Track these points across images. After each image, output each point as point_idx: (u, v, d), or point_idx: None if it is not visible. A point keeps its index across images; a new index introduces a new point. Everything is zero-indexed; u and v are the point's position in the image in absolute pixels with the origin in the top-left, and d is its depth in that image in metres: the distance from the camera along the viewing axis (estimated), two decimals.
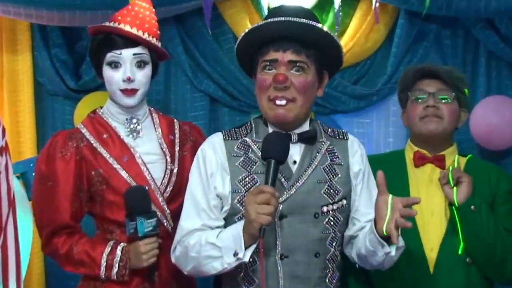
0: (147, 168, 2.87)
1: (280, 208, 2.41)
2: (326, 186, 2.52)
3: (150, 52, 2.92)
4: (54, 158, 2.83)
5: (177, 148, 2.98)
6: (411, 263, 2.84)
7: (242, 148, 2.55)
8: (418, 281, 2.89)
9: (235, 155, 2.53)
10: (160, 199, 2.85)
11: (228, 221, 2.51)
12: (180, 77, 4.38)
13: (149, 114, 3.03)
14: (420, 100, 3.01)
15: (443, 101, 2.99)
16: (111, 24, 2.86)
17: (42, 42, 4.34)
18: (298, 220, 2.47)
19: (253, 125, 2.63)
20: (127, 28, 2.84)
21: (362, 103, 4.25)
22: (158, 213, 2.80)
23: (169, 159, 2.93)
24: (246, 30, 2.52)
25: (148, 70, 2.90)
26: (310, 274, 2.51)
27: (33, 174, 3.08)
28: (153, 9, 2.97)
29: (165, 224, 2.86)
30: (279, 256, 2.46)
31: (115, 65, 2.86)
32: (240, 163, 2.51)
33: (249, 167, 2.50)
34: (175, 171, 2.92)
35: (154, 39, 2.91)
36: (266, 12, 4.01)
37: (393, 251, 2.37)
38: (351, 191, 2.60)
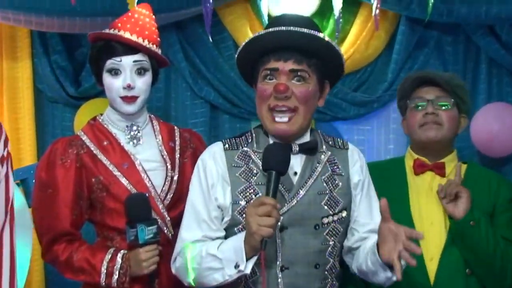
0: (147, 175, 2.86)
1: (281, 219, 2.39)
2: (326, 198, 2.50)
3: (150, 59, 2.91)
4: (54, 165, 2.82)
5: (177, 155, 2.97)
6: (412, 275, 2.82)
7: (243, 158, 2.53)
8: None
9: (235, 165, 2.51)
10: (161, 206, 2.84)
11: (229, 232, 2.50)
12: (180, 84, 4.39)
13: (149, 121, 3.02)
14: (419, 108, 3.00)
15: (443, 108, 2.98)
16: (111, 31, 2.86)
17: (42, 49, 4.35)
18: (299, 232, 2.45)
19: (253, 134, 2.60)
20: (127, 35, 2.83)
21: (362, 110, 4.25)
22: (158, 220, 2.79)
23: (169, 166, 2.92)
24: (247, 40, 2.50)
25: (148, 77, 2.90)
26: (310, 285, 2.49)
27: (33, 181, 3.07)
28: (153, 16, 2.97)
29: (166, 231, 2.85)
30: (279, 268, 2.45)
31: (115, 72, 2.85)
32: (241, 174, 2.49)
33: (249, 178, 2.48)
34: (175, 178, 2.91)
35: (154, 46, 2.90)
36: (266, 18, 4.02)
37: (394, 277, 2.33)
38: (351, 202, 2.59)
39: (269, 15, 4.07)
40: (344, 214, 2.53)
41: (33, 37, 4.37)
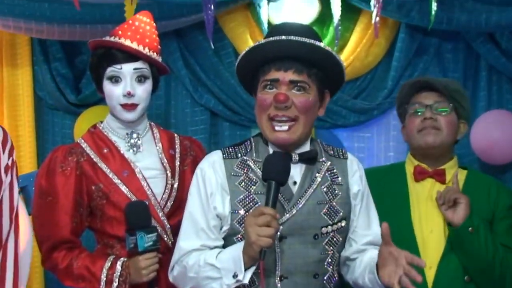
0: (147, 183, 2.86)
1: (280, 229, 2.38)
2: (326, 207, 2.49)
3: (151, 67, 2.91)
4: (54, 173, 2.82)
5: (177, 163, 2.97)
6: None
7: (242, 167, 2.51)
8: None
9: (234, 174, 2.50)
10: (160, 214, 2.84)
11: (228, 241, 2.48)
12: (181, 91, 4.39)
13: (149, 128, 3.02)
14: (418, 113, 3.00)
15: (441, 113, 2.97)
16: (112, 38, 2.86)
17: (42, 56, 4.35)
18: (298, 242, 2.44)
19: (253, 143, 2.59)
20: (127, 42, 2.84)
21: (362, 117, 4.24)
22: (158, 228, 2.79)
23: (169, 174, 2.92)
24: (247, 49, 2.49)
25: (148, 85, 2.90)
26: None
27: (33, 188, 3.07)
28: (154, 24, 2.97)
29: (165, 239, 2.85)
30: (278, 277, 2.44)
31: (115, 79, 2.85)
32: (240, 183, 2.48)
33: (249, 187, 2.47)
34: (175, 186, 2.91)
35: (155, 53, 2.90)
36: (266, 26, 4.02)
37: None
38: (351, 212, 2.58)
39: (269, 23, 4.08)
40: (343, 223, 2.53)
41: (33, 44, 4.38)
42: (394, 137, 4.28)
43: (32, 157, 4.38)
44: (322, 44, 2.43)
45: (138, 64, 2.86)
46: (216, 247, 2.48)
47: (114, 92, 2.85)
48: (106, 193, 2.81)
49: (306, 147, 2.56)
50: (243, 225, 2.37)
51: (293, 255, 2.44)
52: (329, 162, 2.57)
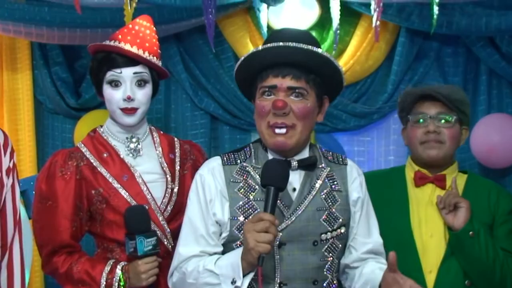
0: (147, 187, 2.85)
1: (280, 235, 2.39)
2: (325, 214, 2.48)
3: (151, 71, 2.91)
4: (54, 178, 2.82)
5: (177, 167, 2.97)
6: None
7: (241, 173, 2.51)
8: None
9: (234, 180, 2.49)
10: (160, 218, 2.84)
11: (227, 247, 2.48)
12: (181, 95, 4.39)
13: (149, 133, 3.02)
14: (420, 122, 2.98)
15: (444, 122, 2.94)
16: (112, 42, 2.86)
17: (42, 60, 4.36)
18: (297, 248, 2.44)
19: (252, 150, 2.58)
20: (127, 47, 2.83)
21: (362, 121, 4.24)
22: (158, 232, 2.78)
23: (169, 178, 2.91)
24: (245, 55, 2.48)
25: (148, 89, 2.90)
26: None
27: (33, 192, 3.07)
28: (154, 28, 2.97)
29: (165, 243, 2.85)
30: (278, 284, 2.43)
31: (115, 83, 2.85)
32: (239, 190, 2.47)
33: (248, 194, 2.46)
34: (175, 190, 2.91)
35: (155, 58, 2.90)
36: (265, 30, 4.02)
37: None
38: (350, 218, 2.57)
39: (269, 27, 4.08)
40: (342, 230, 2.52)
41: (33, 48, 4.38)
42: (394, 141, 4.28)
43: (32, 161, 4.38)
44: (320, 50, 2.43)
45: (138, 68, 2.86)
46: (215, 253, 2.47)
47: (114, 96, 2.85)
48: (106, 198, 2.81)
49: (305, 154, 2.55)
50: (242, 231, 2.36)
51: (293, 262, 2.43)
52: (328, 168, 2.57)
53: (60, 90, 4.33)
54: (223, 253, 2.47)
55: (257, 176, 2.46)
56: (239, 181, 2.49)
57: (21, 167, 4.31)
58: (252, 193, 2.46)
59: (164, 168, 2.93)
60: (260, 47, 2.45)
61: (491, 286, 2.87)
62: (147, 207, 2.78)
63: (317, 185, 2.50)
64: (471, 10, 3.84)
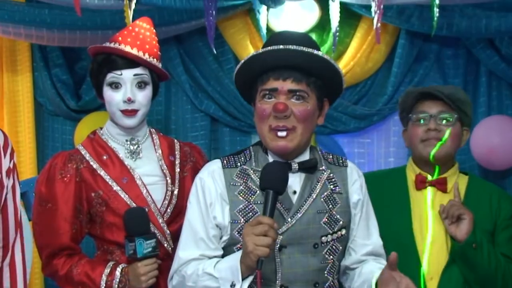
0: (147, 190, 2.85)
1: (280, 238, 2.38)
2: (326, 216, 2.48)
3: (151, 73, 2.90)
4: (53, 180, 2.82)
5: (177, 170, 2.96)
6: None
7: (241, 176, 2.50)
8: None
9: (234, 184, 2.48)
10: (160, 220, 2.83)
11: (227, 250, 2.47)
12: (181, 97, 4.40)
13: (149, 135, 3.01)
14: (421, 121, 2.97)
15: (445, 122, 2.93)
16: (112, 44, 2.85)
17: (42, 62, 4.36)
18: (298, 251, 2.43)
19: (252, 152, 2.57)
20: (127, 48, 2.83)
21: (362, 123, 4.25)
22: (158, 234, 2.78)
23: (169, 181, 2.91)
24: (245, 58, 2.48)
25: (148, 91, 2.89)
26: None
27: (33, 194, 3.07)
28: (154, 30, 2.97)
29: (165, 245, 2.84)
30: (279, 287, 2.42)
31: (115, 85, 2.84)
32: (239, 193, 2.47)
33: (248, 197, 2.46)
34: (175, 192, 2.91)
35: (155, 59, 2.90)
36: (264, 32, 4.02)
37: None
38: (350, 220, 2.56)
39: (269, 29, 4.08)
40: (343, 232, 2.52)
41: (33, 50, 4.39)
42: (394, 142, 4.29)
43: (32, 163, 4.39)
44: (320, 53, 2.42)
45: (138, 70, 2.85)
46: (215, 257, 2.46)
47: (114, 98, 2.85)
48: (106, 200, 2.80)
49: (306, 156, 2.54)
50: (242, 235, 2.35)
51: (293, 265, 2.42)
52: (329, 171, 2.56)
53: (60, 92, 4.34)
54: (223, 256, 2.46)
55: (257, 179, 2.44)
56: (239, 184, 2.48)
57: (21, 168, 4.31)
58: (252, 196, 2.45)
59: (164, 171, 2.92)
60: (261, 50, 2.44)
61: None
62: (147, 209, 2.77)
63: (318, 188, 2.50)
64: (471, 12, 3.84)
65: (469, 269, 2.83)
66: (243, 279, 2.29)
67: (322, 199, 2.48)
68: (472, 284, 2.85)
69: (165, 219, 2.85)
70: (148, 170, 2.90)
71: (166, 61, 4.13)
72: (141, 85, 2.86)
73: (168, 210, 2.87)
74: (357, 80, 4.23)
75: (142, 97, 2.86)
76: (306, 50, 2.39)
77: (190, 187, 2.67)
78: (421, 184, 2.98)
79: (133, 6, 3.39)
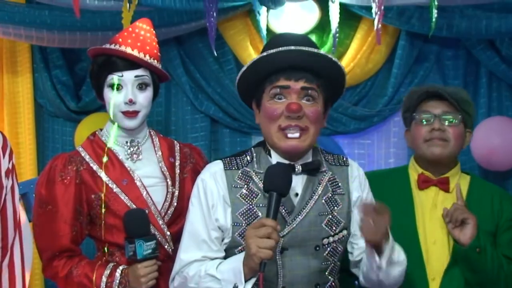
0: (147, 192, 2.84)
1: (282, 241, 2.38)
2: (327, 219, 2.48)
3: (151, 74, 2.90)
4: (53, 182, 2.81)
5: (177, 171, 2.96)
6: None
7: (243, 179, 2.49)
8: None
9: (236, 186, 2.48)
10: (161, 222, 2.83)
11: (229, 253, 2.47)
12: (181, 98, 4.40)
13: (149, 136, 3.00)
14: (425, 122, 2.96)
15: (450, 123, 2.92)
16: (112, 46, 2.85)
17: (43, 63, 4.37)
18: (299, 253, 2.44)
19: (254, 154, 2.56)
20: (128, 50, 2.83)
21: (363, 124, 4.25)
22: (158, 236, 2.78)
23: (169, 182, 2.90)
24: (254, 59, 2.46)
25: (149, 92, 2.89)
26: None
27: (33, 195, 3.07)
28: (154, 31, 2.96)
29: (166, 247, 2.84)
30: None
31: (116, 87, 2.84)
32: (241, 195, 2.46)
33: (250, 200, 2.45)
34: (176, 194, 2.90)
35: (155, 61, 2.89)
36: (264, 33, 4.02)
37: (383, 263, 2.38)
38: (351, 220, 2.57)
39: (269, 30, 4.08)
40: (344, 233, 2.52)
41: (33, 51, 4.39)
42: (394, 143, 4.29)
43: (33, 164, 4.39)
44: (330, 55, 2.44)
45: (139, 72, 2.85)
46: (217, 258, 2.46)
47: (115, 99, 2.84)
48: (106, 202, 2.80)
49: (309, 157, 2.54)
50: (244, 237, 2.34)
51: (295, 267, 2.43)
52: (330, 172, 2.56)
53: (60, 93, 4.34)
54: (225, 258, 2.46)
55: (259, 181, 2.44)
56: (241, 186, 2.47)
57: (22, 170, 4.31)
58: (254, 198, 2.45)
59: (164, 172, 2.92)
60: (272, 51, 2.41)
61: None
62: (147, 211, 2.77)
63: (319, 190, 2.50)
64: (471, 13, 3.84)
65: (471, 272, 2.82)
66: (245, 281, 2.29)
67: (323, 201, 2.48)
68: (474, 286, 2.85)
69: (165, 221, 2.84)
70: (148, 171, 2.90)
71: (166, 62, 4.13)
72: (142, 86, 2.86)
73: (169, 211, 2.86)
74: (357, 81, 4.23)
75: (143, 98, 2.86)
76: (316, 51, 2.40)
77: (190, 188, 2.67)
78: (424, 183, 2.98)
79: (132, 7, 3.39)
